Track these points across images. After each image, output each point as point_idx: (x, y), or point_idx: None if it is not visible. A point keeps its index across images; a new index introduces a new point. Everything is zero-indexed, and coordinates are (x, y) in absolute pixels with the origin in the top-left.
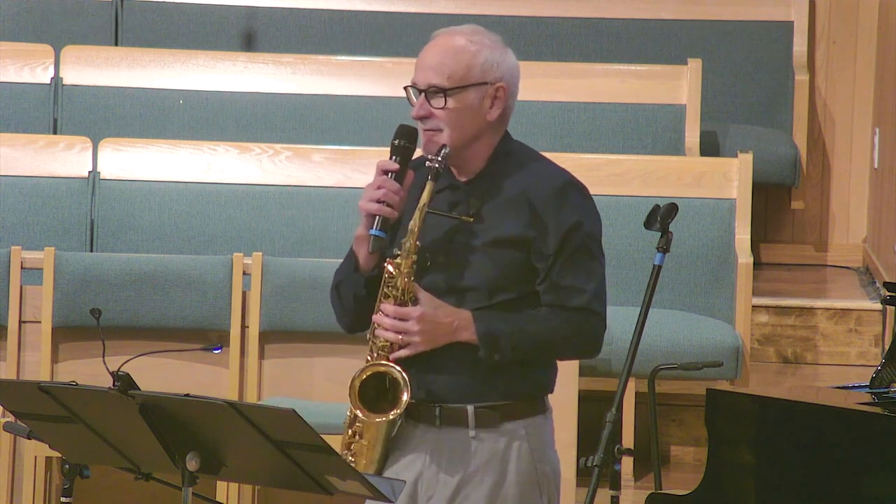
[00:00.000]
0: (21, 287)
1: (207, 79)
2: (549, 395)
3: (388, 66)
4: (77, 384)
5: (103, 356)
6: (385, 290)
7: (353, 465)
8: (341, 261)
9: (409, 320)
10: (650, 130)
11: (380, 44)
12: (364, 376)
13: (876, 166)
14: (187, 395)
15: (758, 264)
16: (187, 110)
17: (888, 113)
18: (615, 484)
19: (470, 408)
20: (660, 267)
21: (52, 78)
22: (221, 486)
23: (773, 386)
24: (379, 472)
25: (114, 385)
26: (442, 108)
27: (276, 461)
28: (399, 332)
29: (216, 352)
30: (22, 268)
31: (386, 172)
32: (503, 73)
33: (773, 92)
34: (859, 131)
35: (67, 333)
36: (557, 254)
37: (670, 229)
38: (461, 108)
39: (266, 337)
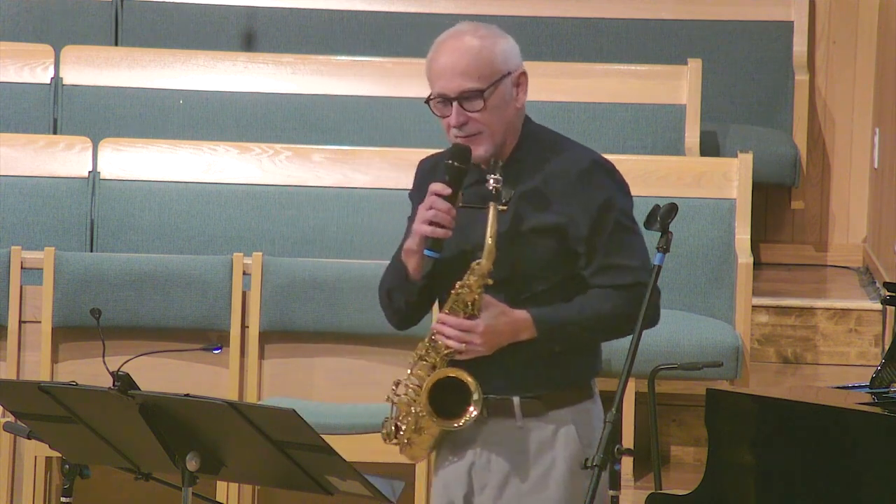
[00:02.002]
0: (21, 287)
1: (207, 79)
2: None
3: (388, 66)
4: (77, 384)
5: (103, 356)
6: (453, 305)
7: (406, 448)
8: (340, 261)
9: (473, 333)
10: (650, 130)
11: (380, 44)
12: (437, 380)
13: (876, 166)
14: (187, 395)
15: (758, 264)
16: (187, 110)
17: (888, 113)
18: (615, 484)
19: (516, 399)
20: (660, 267)
21: (52, 78)
22: (221, 486)
23: (773, 386)
24: (437, 466)
25: (114, 385)
26: (480, 111)
27: (276, 461)
28: (463, 342)
29: (216, 352)
30: (22, 268)
31: (438, 195)
32: (518, 59)
33: (773, 92)
34: (859, 131)
35: (67, 333)
36: (595, 236)
37: (670, 229)
38: (498, 104)
39: (266, 337)
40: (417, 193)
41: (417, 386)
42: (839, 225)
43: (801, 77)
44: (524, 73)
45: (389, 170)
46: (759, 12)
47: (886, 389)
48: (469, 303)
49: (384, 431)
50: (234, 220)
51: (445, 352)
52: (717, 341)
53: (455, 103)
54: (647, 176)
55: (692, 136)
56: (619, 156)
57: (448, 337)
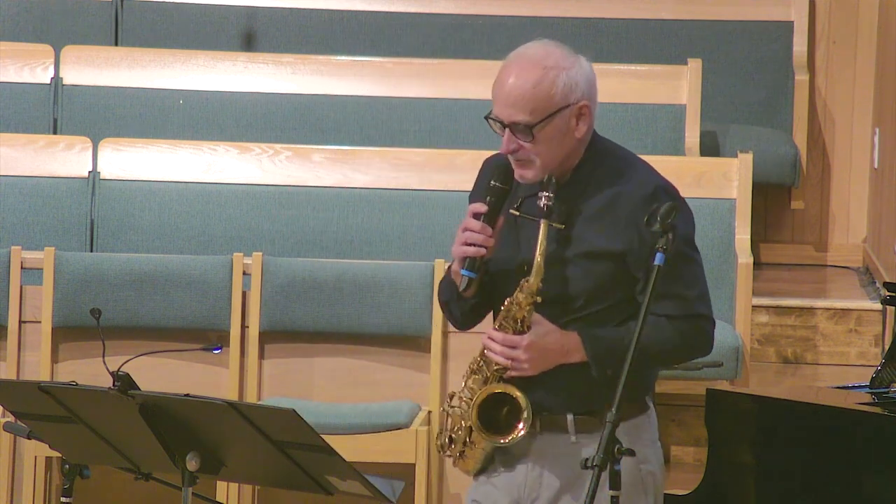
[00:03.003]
0: (21, 287)
1: (207, 79)
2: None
3: (388, 66)
4: (77, 384)
5: (103, 356)
6: (503, 322)
7: (459, 461)
8: (340, 261)
9: (517, 348)
10: (650, 130)
11: (380, 44)
12: (486, 395)
13: (876, 166)
14: (187, 395)
15: (758, 264)
16: (187, 110)
17: (888, 113)
18: (615, 484)
19: (570, 416)
20: (659, 267)
21: (52, 78)
22: (221, 486)
23: (773, 386)
24: (482, 470)
25: (114, 385)
26: (530, 142)
27: (276, 461)
28: (508, 359)
29: (216, 352)
30: (22, 268)
31: (476, 215)
32: (583, 89)
33: (773, 92)
34: (859, 131)
35: (67, 333)
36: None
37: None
38: (550, 137)
39: (266, 337)
40: (474, 194)
41: (470, 399)
42: (839, 225)
43: (801, 77)
44: (587, 105)
45: (389, 170)
46: (759, 12)
47: (886, 389)
48: (518, 320)
49: (438, 443)
50: (234, 220)
51: (495, 367)
52: (717, 341)
53: (507, 130)
54: None
55: (692, 136)
56: None
57: (494, 352)
